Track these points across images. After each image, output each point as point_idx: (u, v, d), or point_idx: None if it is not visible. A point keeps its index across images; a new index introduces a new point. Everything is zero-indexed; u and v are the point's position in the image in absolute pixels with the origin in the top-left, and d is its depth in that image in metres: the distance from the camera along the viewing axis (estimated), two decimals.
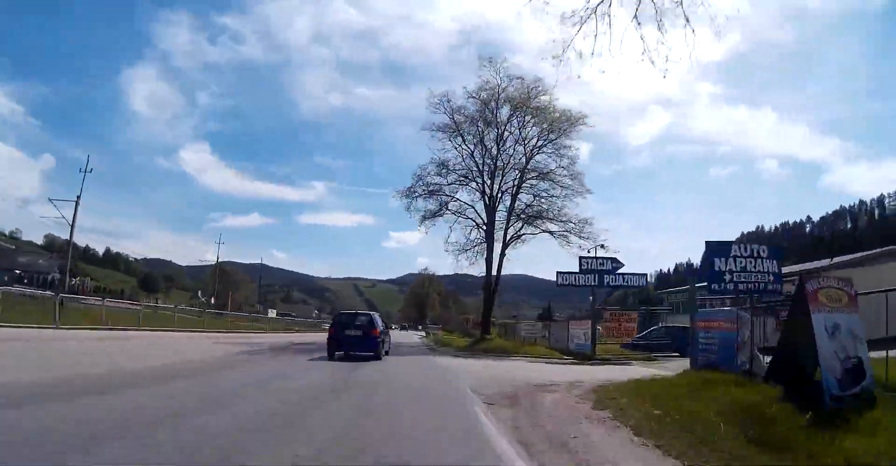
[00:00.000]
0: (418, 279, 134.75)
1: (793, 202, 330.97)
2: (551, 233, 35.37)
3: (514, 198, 36.10)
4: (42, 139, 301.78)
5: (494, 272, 35.47)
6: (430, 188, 36.68)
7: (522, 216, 36.27)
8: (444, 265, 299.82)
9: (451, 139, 36.65)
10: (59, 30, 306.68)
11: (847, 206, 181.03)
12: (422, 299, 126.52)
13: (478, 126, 36.73)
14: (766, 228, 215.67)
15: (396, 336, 46.91)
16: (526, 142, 36.58)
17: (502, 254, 35.78)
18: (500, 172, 36.50)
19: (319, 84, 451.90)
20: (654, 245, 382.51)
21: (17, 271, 74.67)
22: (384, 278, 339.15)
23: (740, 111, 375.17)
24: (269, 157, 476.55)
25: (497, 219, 36.38)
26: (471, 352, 28.44)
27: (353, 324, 20.27)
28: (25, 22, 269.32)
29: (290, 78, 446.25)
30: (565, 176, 35.36)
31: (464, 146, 36.77)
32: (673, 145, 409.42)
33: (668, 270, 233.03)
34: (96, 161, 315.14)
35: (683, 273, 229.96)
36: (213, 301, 68.47)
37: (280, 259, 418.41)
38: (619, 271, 25.63)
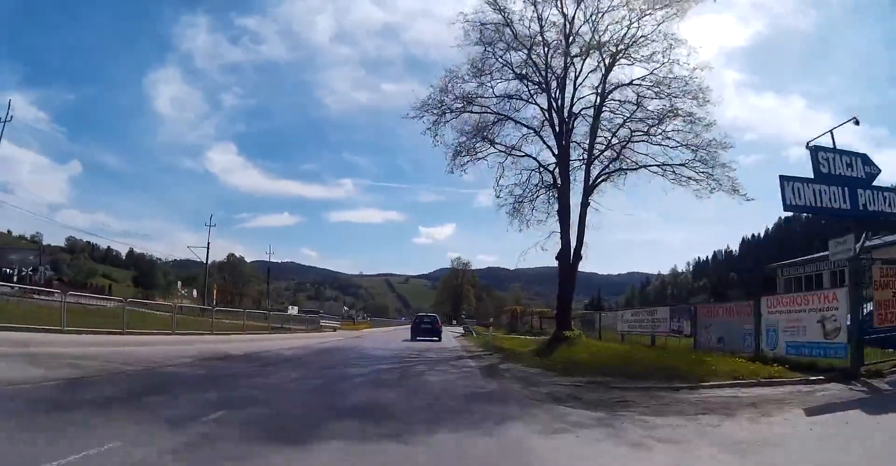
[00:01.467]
0: (450, 271, 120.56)
1: None
2: (664, 167, 21.43)
3: (597, 111, 22.00)
4: (68, 145, 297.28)
5: (574, 231, 21.51)
6: (466, 99, 22.62)
7: (613, 142, 22.34)
8: (476, 261, 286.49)
9: (499, 30, 22.34)
10: (80, 36, 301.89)
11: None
12: (455, 291, 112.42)
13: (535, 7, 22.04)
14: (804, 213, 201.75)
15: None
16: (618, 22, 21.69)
17: (585, 203, 21.85)
18: (573, 82, 22.56)
19: (344, 81, 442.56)
20: (675, 237, 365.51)
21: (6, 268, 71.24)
22: (416, 274, 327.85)
23: (767, 99, 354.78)
24: (297, 156, 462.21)
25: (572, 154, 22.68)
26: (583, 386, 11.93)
27: (424, 321, 38.99)
28: (46, 30, 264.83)
29: (314, 76, 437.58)
30: (679, 79, 21.05)
31: (515, 43, 22.44)
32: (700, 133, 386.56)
33: (706, 258, 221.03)
34: (123, 164, 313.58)
35: (722, 259, 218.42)
36: (214, 297, 55.33)
37: (311, 257, 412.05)
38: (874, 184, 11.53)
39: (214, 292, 56.35)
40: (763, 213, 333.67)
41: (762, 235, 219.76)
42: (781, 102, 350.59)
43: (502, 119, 23.03)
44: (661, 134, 21.38)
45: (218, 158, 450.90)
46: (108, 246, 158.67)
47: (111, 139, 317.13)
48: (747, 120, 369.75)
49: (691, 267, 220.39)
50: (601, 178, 22.53)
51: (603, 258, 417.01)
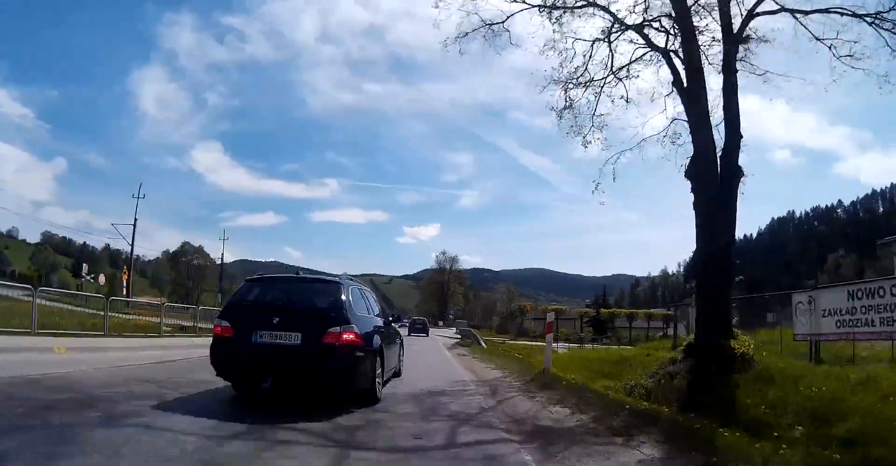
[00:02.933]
0: (436, 269, 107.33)
1: (809, 191, 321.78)
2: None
3: None
4: (52, 142, 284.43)
5: (717, 118, 9.41)
6: None
7: None
8: (460, 262, 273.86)
9: None
10: (65, 34, 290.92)
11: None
12: (442, 290, 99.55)
13: None
14: (797, 213, 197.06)
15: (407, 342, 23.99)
16: None
17: (732, 57, 9.87)
18: None
19: (328, 81, 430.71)
20: (664, 238, 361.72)
21: None
22: (400, 274, 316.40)
23: (750, 101, 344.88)
24: (281, 156, 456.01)
25: None
26: None
27: (417, 323, 46.98)
28: (31, 26, 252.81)
29: (299, 76, 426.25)
30: None
31: None
32: (684, 136, 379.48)
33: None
34: (106, 163, 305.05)
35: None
36: (126, 285, 42.22)
37: (294, 257, 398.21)
38: None
39: (124, 278, 43.10)
40: (750, 215, 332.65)
41: (754, 235, 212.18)
42: (765, 104, 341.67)
43: None
44: None
45: (203, 157, 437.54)
46: (84, 242, 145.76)
47: (96, 137, 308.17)
48: None
49: (682, 268, 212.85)
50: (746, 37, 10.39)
51: (587, 260, 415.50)
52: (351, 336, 6.65)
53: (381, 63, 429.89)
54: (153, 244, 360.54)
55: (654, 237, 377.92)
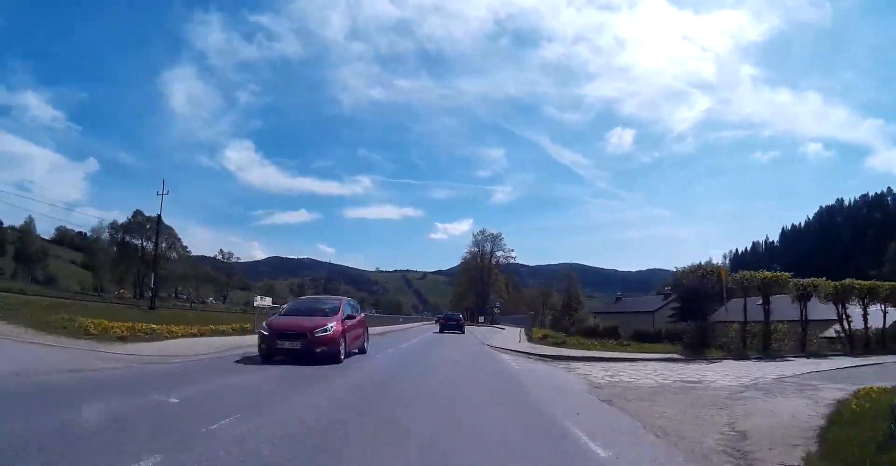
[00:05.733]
0: (472, 253, 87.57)
1: (840, 184, 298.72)
2: None
3: None
4: (84, 143, 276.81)
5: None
6: None
7: None
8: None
9: None
10: (94, 35, 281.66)
11: None
12: (481, 275, 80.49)
13: None
14: (846, 201, 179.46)
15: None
16: None
17: None
18: None
19: (358, 78, 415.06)
20: (694, 233, 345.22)
21: None
22: (433, 270, 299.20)
23: (782, 94, 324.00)
24: (313, 153, 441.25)
25: None
26: None
27: (450, 319, 39.67)
28: (59, 29, 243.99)
29: (329, 73, 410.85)
30: None
31: None
32: (715, 131, 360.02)
33: (746, 249, 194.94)
34: (138, 162, 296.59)
35: (762, 251, 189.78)
36: None
37: (328, 253, 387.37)
38: None
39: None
40: (772, 214, 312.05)
41: (802, 224, 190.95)
42: (797, 98, 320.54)
43: None
44: None
45: (235, 156, 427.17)
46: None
47: (127, 137, 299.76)
48: (763, 116, 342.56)
49: (727, 259, 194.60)
50: None
51: (621, 254, 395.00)
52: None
53: (410, 58, 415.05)
54: (187, 243, 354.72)
55: (683, 232, 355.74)
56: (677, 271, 19.93)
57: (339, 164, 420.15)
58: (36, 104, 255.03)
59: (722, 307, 69.13)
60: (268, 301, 63.77)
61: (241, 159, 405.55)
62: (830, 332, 21.16)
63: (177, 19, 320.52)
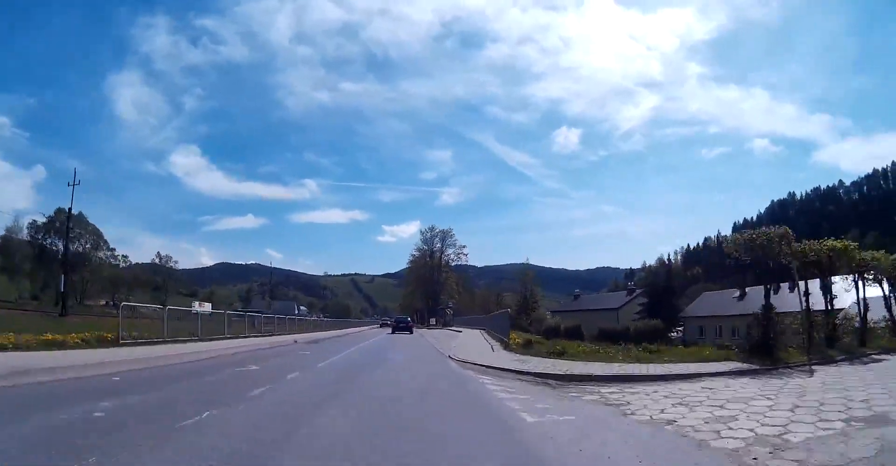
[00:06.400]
0: (420, 251, 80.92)
1: (789, 179, 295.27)
2: None
3: None
4: (31, 150, 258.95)
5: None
6: None
7: None
8: None
9: None
10: (38, 40, 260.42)
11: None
12: (431, 274, 74.35)
13: None
14: (798, 194, 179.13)
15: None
16: None
17: None
18: None
19: (304, 82, 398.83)
20: (643, 230, 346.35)
21: None
22: (381, 273, 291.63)
23: (730, 91, 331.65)
24: (259, 158, 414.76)
25: None
26: None
27: (401, 322, 46.01)
28: (3, 34, 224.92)
29: (275, 77, 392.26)
30: None
31: None
32: (662, 128, 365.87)
33: (697, 245, 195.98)
34: (86, 169, 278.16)
35: (714, 246, 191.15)
36: None
37: (276, 258, 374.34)
38: None
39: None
40: (723, 209, 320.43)
41: (754, 218, 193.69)
42: (744, 94, 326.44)
43: None
44: None
45: (181, 161, 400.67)
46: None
47: (74, 144, 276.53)
48: (711, 112, 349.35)
49: (680, 255, 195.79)
50: None
51: (570, 253, 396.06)
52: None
53: (357, 62, 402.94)
54: (135, 250, 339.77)
55: (633, 229, 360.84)
56: (729, 239, 14.47)
57: (286, 169, 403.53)
58: None
59: (692, 302, 64.56)
60: (207, 307, 56.11)
61: (188, 164, 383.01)
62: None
63: (122, 23, 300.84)
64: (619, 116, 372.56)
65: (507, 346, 16.23)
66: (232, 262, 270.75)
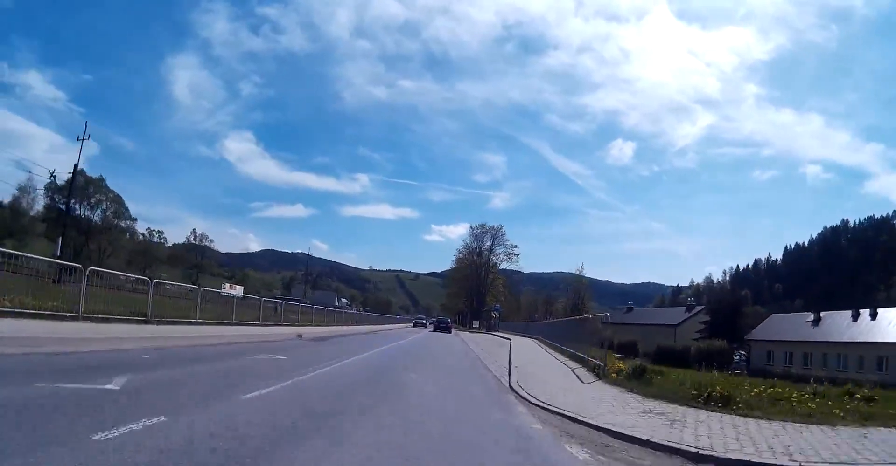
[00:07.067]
0: (467, 250, 74.28)
1: (839, 207, 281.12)
2: None
3: None
4: (84, 126, 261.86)
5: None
6: None
7: None
8: None
9: None
10: (98, 17, 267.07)
11: None
12: (478, 273, 67.95)
13: None
14: (851, 222, 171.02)
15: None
16: None
17: None
18: None
19: (362, 76, 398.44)
20: (689, 248, 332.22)
21: None
22: (426, 271, 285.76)
23: (785, 114, 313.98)
24: (312, 149, 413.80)
25: None
26: None
27: (441, 322, 49.37)
28: (65, 9, 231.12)
29: (333, 69, 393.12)
30: None
31: None
32: (716, 147, 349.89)
33: (747, 265, 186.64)
34: (138, 149, 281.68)
35: (764, 269, 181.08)
36: None
37: (322, 249, 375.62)
38: None
39: None
40: (770, 232, 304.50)
41: (805, 244, 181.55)
42: (799, 118, 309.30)
43: None
44: None
45: (234, 146, 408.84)
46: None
47: (128, 122, 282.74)
48: (765, 134, 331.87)
49: (728, 276, 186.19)
50: None
51: (616, 266, 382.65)
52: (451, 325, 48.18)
53: (415, 59, 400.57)
54: (183, 230, 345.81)
55: (679, 247, 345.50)
56: None
57: (339, 161, 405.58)
58: (38, 83, 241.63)
59: (759, 324, 56.03)
60: (238, 290, 51.79)
61: (241, 150, 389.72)
62: None
63: (183, 6, 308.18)
64: (674, 132, 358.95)
65: (601, 374, 10.12)
66: (278, 250, 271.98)
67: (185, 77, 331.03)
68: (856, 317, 49.15)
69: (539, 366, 12.50)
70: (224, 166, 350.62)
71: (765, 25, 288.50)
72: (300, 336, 19.49)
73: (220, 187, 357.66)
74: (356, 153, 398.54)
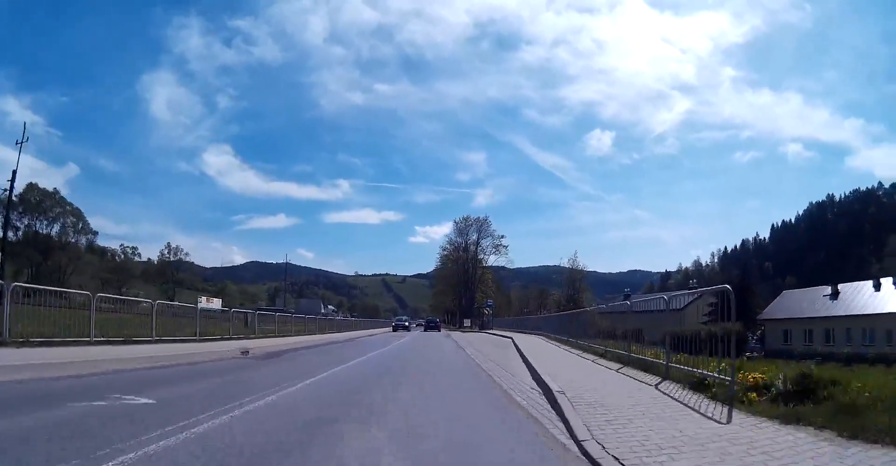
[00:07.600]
0: (452, 244, 69.39)
1: (822, 184, 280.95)
2: None
3: None
4: (64, 149, 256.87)
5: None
6: None
7: None
8: None
9: None
10: (73, 40, 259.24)
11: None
12: (465, 268, 62.95)
13: None
14: (837, 197, 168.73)
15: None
16: None
17: None
18: None
19: (338, 82, 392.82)
20: (675, 233, 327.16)
21: None
22: (413, 273, 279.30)
23: (763, 95, 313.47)
24: (292, 157, 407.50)
25: None
26: None
27: (430, 321, 52.81)
28: (39, 33, 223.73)
29: (308, 77, 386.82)
30: None
31: None
32: (696, 132, 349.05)
33: (735, 247, 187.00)
34: (118, 168, 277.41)
35: (752, 248, 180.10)
36: None
37: (307, 258, 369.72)
38: None
39: None
40: (755, 213, 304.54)
41: (792, 221, 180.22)
42: (778, 98, 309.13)
43: None
44: None
45: (213, 160, 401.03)
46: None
47: (107, 142, 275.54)
48: (744, 117, 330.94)
49: (716, 258, 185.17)
50: None
51: (601, 256, 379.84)
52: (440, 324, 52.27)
53: (391, 63, 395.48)
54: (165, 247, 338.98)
55: (664, 233, 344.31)
56: None
57: (319, 169, 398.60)
58: (15, 109, 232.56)
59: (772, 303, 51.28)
60: (216, 303, 46.01)
61: (220, 164, 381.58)
62: None
63: (157, 24, 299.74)
64: (652, 120, 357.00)
65: (721, 397, 5.08)
66: (262, 261, 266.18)
67: (162, 93, 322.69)
68: (878, 287, 45.13)
69: (589, 382, 7.35)
70: (205, 181, 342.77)
71: (738, 8, 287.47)
72: (245, 352, 14.50)
73: (201, 202, 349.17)
74: (336, 159, 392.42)
